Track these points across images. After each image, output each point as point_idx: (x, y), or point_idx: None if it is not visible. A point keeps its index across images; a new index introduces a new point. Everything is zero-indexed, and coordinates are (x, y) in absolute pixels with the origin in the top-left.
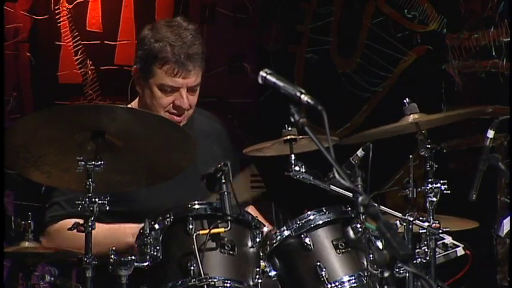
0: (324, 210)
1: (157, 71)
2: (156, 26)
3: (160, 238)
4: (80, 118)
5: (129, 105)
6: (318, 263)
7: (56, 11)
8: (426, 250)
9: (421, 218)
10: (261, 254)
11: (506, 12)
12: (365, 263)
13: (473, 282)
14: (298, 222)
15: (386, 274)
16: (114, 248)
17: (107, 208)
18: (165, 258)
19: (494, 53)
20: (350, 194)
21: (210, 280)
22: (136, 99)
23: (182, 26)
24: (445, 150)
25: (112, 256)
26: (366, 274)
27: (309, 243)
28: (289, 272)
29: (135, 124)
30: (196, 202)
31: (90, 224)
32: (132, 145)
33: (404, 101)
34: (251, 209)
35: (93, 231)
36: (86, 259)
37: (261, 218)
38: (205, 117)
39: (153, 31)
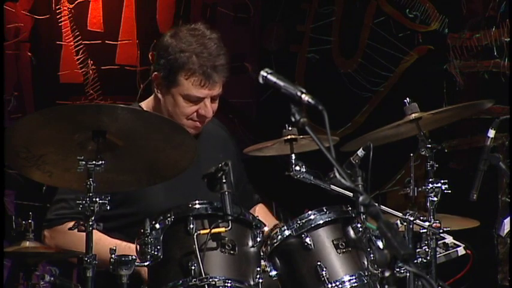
0: (325, 210)
1: (182, 81)
2: (178, 34)
3: (161, 238)
4: (81, 118)
5: (141, 104)
6: (319, 263)
7: (57, 11)
8: (427, 250)
9: (421, 218)
10: (262, 254)
11: (507, 12)
12: (366, 262)
13: (474, 282)
14: (299, 221)
15: (387, 274)
16: (115, 247)
17: (108, 208)
18: (165, 258)
19: (495, 53)
20: (351, 194)
21: (210, 280)
22: (149, 100)
23: (206, 35)
24: (446, 150)
25: (112, 256)
26: (366, 274)
27: (309, 243)
28: (290, 271)
29: (136, 124)
30: (197, 202)
31: (90, 223)
32: (133, 145)
33: (405, 100)
34: (260, 207)
35: (97, 245)
36: (86, 259)
37: (269, 217)
38: (213, 124)
39: (177, 39)
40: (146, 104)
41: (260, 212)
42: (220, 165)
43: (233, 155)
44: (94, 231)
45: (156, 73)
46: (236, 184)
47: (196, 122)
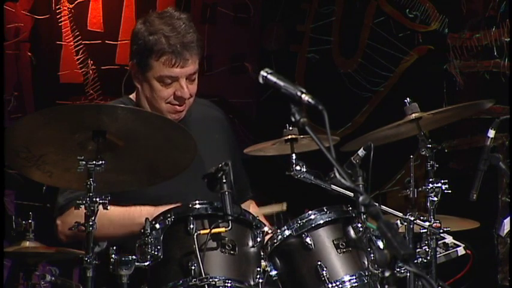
0: (325, 210)
1: (154, 63)
2: (148, 19)
3: (161, 238)
4: (81, 118)
5: (131, 96)
6: (319, 263)
7: (57, 11)
8: (427, 250)
9: (422, 218)
10: (262, 254)
11: (507, 12)
12: (366, 262)
13: (474, 282)
14: (299, 221)
15: (387, 274)
16: (115, 248)
17: (107, 208)
18: (166, 258)
19: (495, 53)
20: (351, 194)
21: (210, 280)
22: (134, 93)
23: (174, 16)
24: (446, 150)
25: (112, 256)
26: (366, 274)
27: (309, 242)
28: (290, 271)
29: (136, 124)
30: (197, 202)
31: (90, 223)
32: (132, 145)
33: (406, 100)
34: (252, 205)
35: (107, 211)
36: (86, 259)
37: (260, 215)
38: (205, 106)
39: (146, 25)
40: (133, 96)
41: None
42: (220, 165)
43: (229, 136)
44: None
45: (131, 62)
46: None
47: (175, 106)
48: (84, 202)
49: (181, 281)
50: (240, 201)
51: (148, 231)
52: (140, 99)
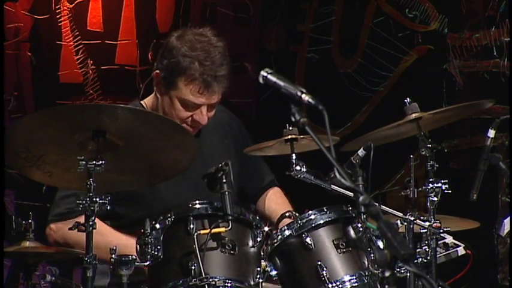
0: (325, 210)
1: (181, 85)
2: (184, 37)
3: (161, 238)
4: (81, 118)
5: (143, 102)
6: (319, 263)
7: (57, 11)
8: (427, 250)
9: (422, 218)
10: (262, 254)
11: (507, 12)
12: (366, 262)
13: (474, 282)
14: (299, 221)
15: (387, 274)
16: (115, 247)
17: (108, 208)
18: (166, 258)
19: (495, 53)
20: (351, 194)
21: (210, 280)
22: (150, 97)
23: (212, 43)
24: (446, 150)
25: (113, 256)
26: (366, 274)
27: (309, 242)
28: (290, 271)
29: (136, 124)
30: (197, 202)
31: (90, 223)
32: (133, 145)
33: (405, 100)
34: (276, 191)
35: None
36: (86, 259)
37: (282, 204)
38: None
39: (182, 42)
40: (147, 102)
41: (272, 197)
42: (220, 165)
43: (239, 138)
44: (99, 222)
45: (157, 71)
46: (241, 164)
47: (189, 127)
48: (84, 202)
49: (181, 281)
50: (267, 188)
51: (148, 231)
52: (157, 108)
